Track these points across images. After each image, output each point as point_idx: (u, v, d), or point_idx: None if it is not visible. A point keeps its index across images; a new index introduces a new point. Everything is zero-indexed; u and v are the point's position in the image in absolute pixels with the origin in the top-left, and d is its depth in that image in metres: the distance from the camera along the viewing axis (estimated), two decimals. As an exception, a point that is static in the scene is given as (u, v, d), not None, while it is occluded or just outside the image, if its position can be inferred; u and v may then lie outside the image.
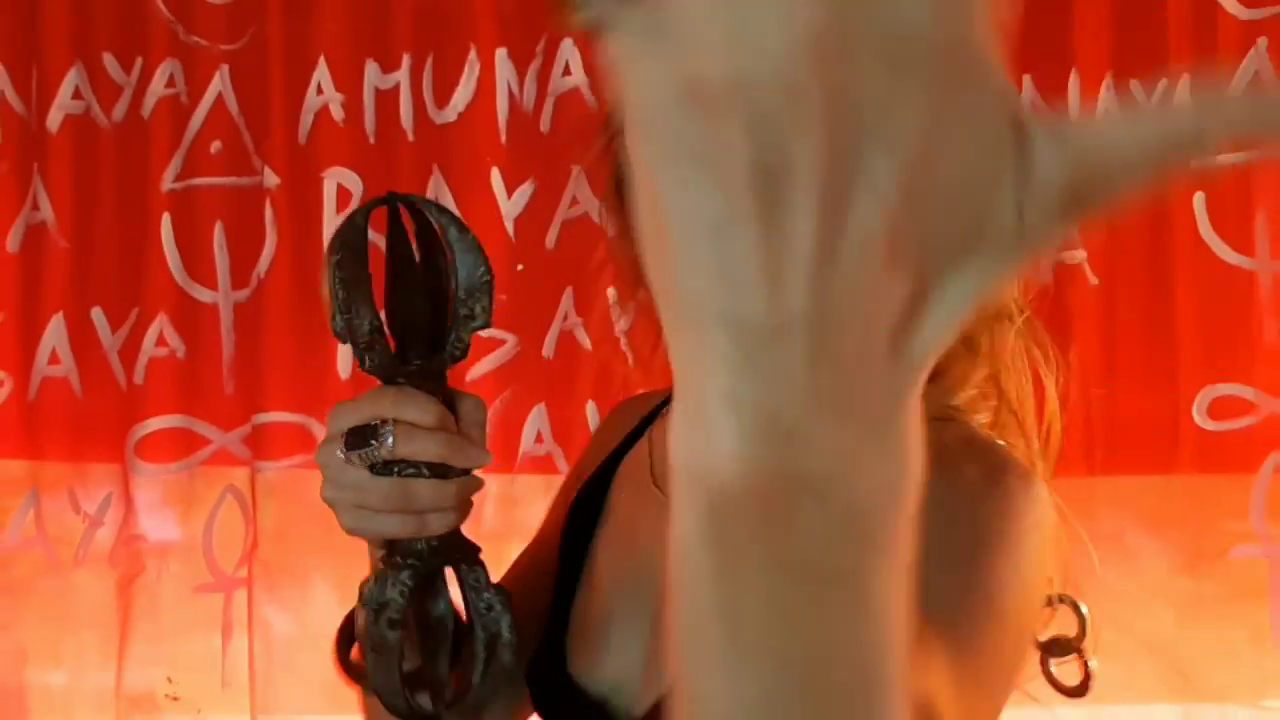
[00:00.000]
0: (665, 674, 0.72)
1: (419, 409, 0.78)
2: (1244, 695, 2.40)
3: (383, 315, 0.79)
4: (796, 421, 0.32)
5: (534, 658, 0.96)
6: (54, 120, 2.41)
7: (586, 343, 2.38)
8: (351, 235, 0.77)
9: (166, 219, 2.40)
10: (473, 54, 2.43)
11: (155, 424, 2.40)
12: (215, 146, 2.41)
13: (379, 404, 0.78)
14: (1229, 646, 2.41)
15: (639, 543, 0.93)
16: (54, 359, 2.41)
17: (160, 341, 2.41)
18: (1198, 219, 2.39)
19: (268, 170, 2.40)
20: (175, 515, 2.43)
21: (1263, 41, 2.37)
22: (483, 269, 0.79)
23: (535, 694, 0.95)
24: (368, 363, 0.79)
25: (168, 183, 2.41)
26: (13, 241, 2.41)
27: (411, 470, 0.77)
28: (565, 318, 2.40)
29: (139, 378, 2.41)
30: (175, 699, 2.40)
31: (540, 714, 0.97)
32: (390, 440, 0.76)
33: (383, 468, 0.77)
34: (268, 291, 2.41)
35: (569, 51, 2.41)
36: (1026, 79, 2.38)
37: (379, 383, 0.80)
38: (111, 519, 2.41)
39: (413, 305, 0.81)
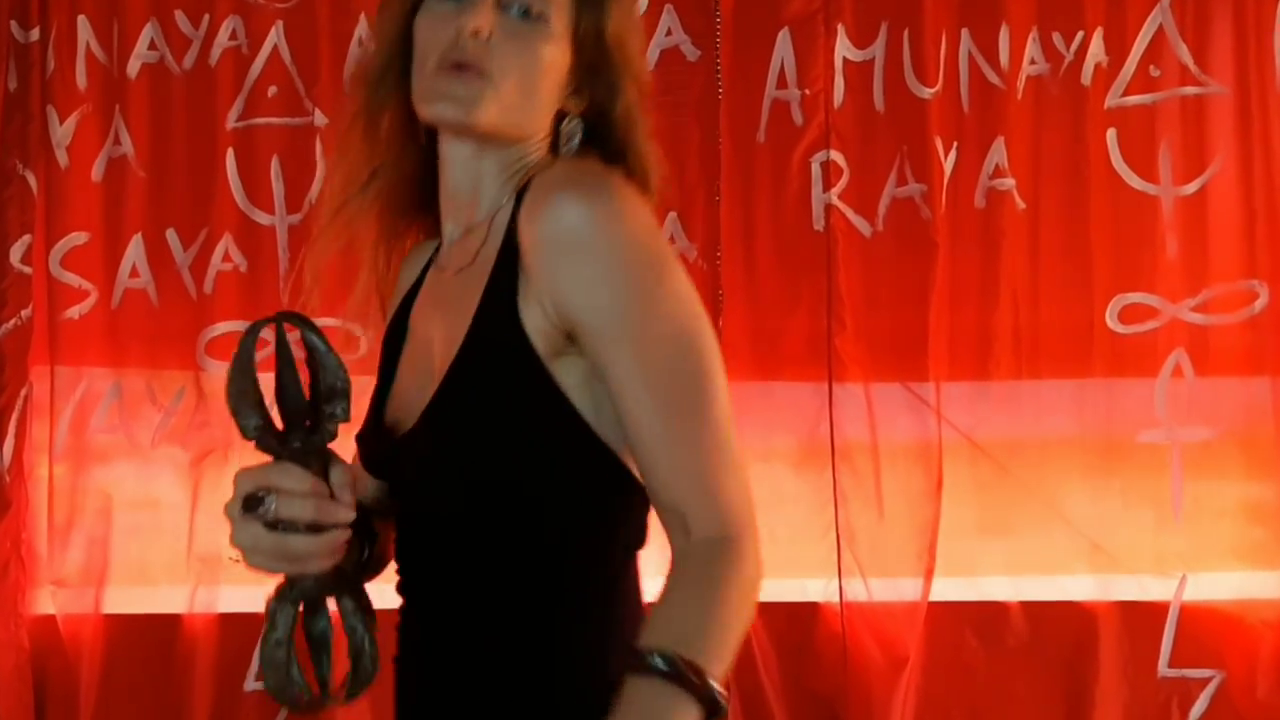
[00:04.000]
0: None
1: (294, 480, 1.00)
2: (1151, 566, 2.73)
3: (274, 407, 1.02)
4: None
5: (363, 429, 1.26)
6: (133, 68, 2.77)
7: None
8: (241, 356, 1.01)
9: (230, 153, 2.76)
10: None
11: (222, 328, 2.76)
12: (272, 91, 2.77)
13: (267, 476, 1.01)
14: (1137, 521, 2.74)
15: (430, 340, 1.20)
16: (134, 273, 2.77)
17: (226, 258, 2.76)
18: (1110, 151, 2.73)
19: (317, 111, 2.76)
20: (238, 406, 2.78)
21: (1166, -1, 2.73)
22: (340, 380, 1.01)
23: (361, 450, 1.25)
24: (258, 446, 1.01)
25: (231, 122, 2.77)
26: (97, 171, 2.77)
27: (292, 527, 1.00)
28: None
29: (208, 288, 2.77)
30: (238, 561, 2.75)
31: (363, 463, 1.25)
32: (272, 505, 1.00)
33: (270, 525, 1.00)
34: (318, 215, 2.76)
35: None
36: (965, 32, 2.74)
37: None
38: (184, 408, 2.76)
39: (296, 400, 1.02)
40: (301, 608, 1.05)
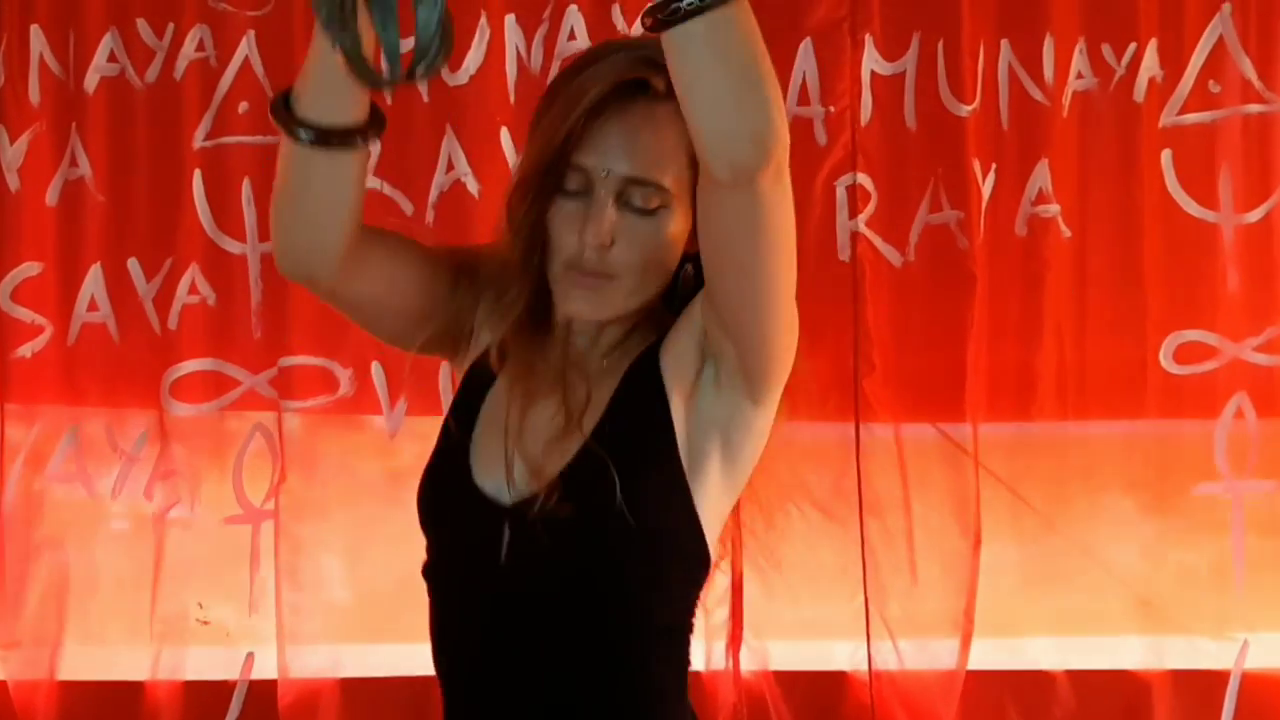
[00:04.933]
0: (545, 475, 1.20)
1: None
2: (1208, 627, 2.55)
3: None
4: None
5: (433, 466, 1.26)
6: (90, 82, 2.57)
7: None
8: None
9: (198, 175, 2.56)
10: (483, 20, 2.58)
11: (188, 367, 2.57)
12: (243, 107, 2.56)
13: None
14: (1194, 580, 2.57)
15: (535, 378, 1.23)
16: (93, 306, 2.57)
17: (192, 290, 2.57)
18: (1165, 175, 2.54)
19: (292, 129, 2.56)
20: (207, 452, 2.59)
21: (1227, 7, 2.53)
22: None
23: (430, 495, 1.25)
24: None
25: (199, 141, 2.57)
26: (51, 195, 2.57)
27: None
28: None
29: (173, 324, 2.57)
30: (205, 623, 2.57)
31: (426, 510, 1.25)
32: None
33: None
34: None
35: (574, 17, 2.56)
36: (1005, 43, 2.55)
37: None
38: (147, 455, 2.57)
39: None
40: None
